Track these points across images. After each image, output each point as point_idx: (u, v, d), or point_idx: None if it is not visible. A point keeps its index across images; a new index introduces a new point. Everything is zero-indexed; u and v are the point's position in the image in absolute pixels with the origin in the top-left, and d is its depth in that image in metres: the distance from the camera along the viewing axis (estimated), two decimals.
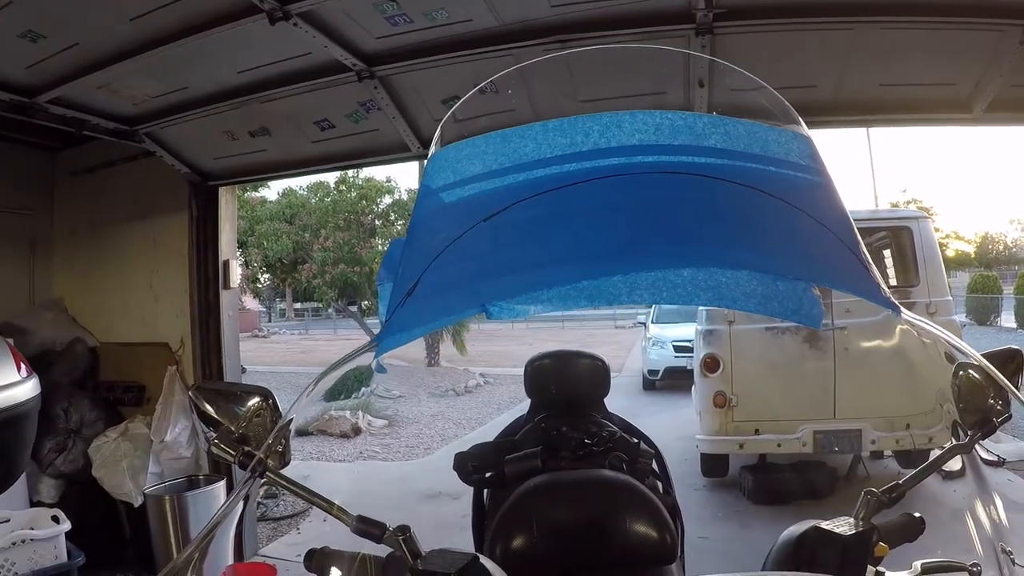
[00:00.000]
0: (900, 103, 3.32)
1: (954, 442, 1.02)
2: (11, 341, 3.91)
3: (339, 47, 3.15)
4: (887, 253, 6.64)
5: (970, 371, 1.06)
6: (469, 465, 1.74)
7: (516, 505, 1.37)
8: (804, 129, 0.93)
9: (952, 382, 1.03)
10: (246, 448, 1.08)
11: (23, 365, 1.51)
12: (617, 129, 0.88)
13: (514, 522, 1.33)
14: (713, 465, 6.39)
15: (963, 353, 1.05)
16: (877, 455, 5.96)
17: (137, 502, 4.38)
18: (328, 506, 1.03)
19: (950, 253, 30.95)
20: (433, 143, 1.09)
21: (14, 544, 3.44)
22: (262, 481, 1.06)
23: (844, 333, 5.72)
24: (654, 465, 1.81)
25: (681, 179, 0.89)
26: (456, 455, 1.76)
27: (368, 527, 1.01)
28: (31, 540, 3.50)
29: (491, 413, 11.39)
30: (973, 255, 41.77)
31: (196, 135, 4.17)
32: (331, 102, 3.71)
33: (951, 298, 6.21)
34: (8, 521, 3.58)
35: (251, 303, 36.02)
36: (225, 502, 1.01)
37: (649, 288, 0.92)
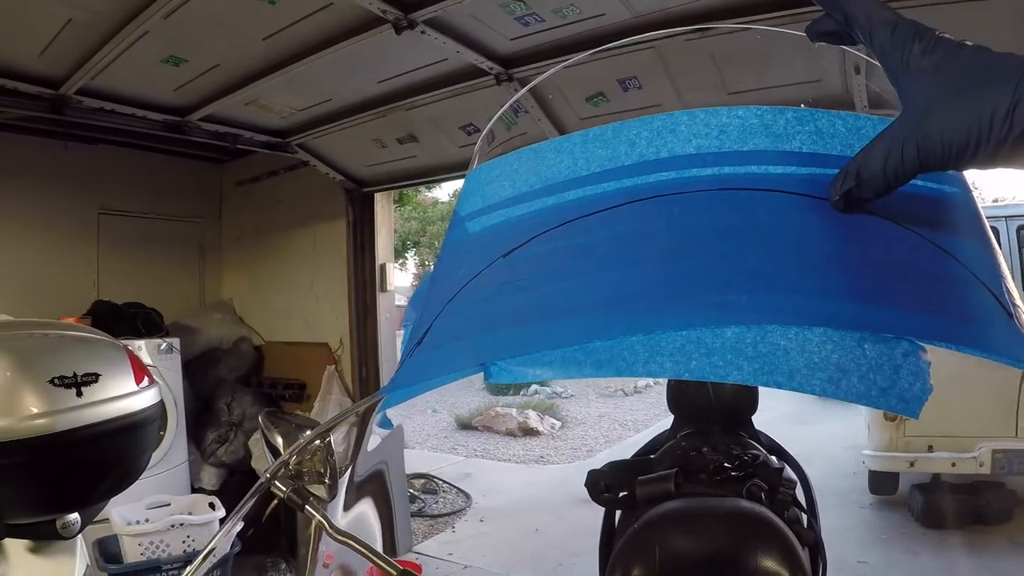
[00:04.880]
0: None
1: None
2: (151, 346, 4.26)
3: (473, 52, 3.09)
4: None
5: None
6: (601, 484, 1.61)
7: (640, 532, 1.25)
8: None
9: None
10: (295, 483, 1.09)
11: (145, 376, 1.55)
12: (671, 135, 0.65)
13: (636, 549, 1.21)
14: (881, 482, 5.75)
15: None
16: None
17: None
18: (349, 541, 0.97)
19: None
20: (472, 162, 0.90)
21: (172, 527, 3.71)
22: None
23: None
24: (799, 493, 1.57)
25: (745, 197, 0.65)
26: (588, 472, 1.63)
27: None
28: (188, 524, 3.77)
29: (658, 415, 10.94)
30: None
31: (346, 144, 4.30)
32: (474, 106, 3.68)
33: None
34: (169, 505, 3.88)
35: None
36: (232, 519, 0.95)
37: (673, 356, 0.63)
